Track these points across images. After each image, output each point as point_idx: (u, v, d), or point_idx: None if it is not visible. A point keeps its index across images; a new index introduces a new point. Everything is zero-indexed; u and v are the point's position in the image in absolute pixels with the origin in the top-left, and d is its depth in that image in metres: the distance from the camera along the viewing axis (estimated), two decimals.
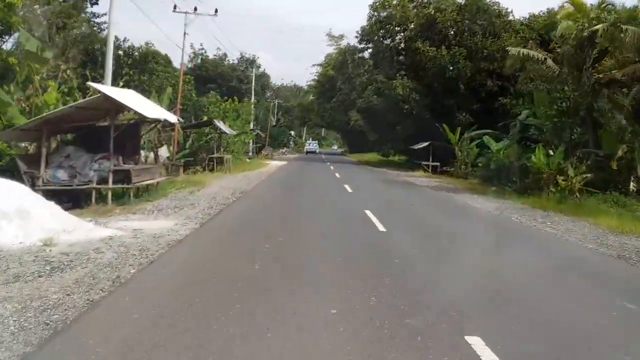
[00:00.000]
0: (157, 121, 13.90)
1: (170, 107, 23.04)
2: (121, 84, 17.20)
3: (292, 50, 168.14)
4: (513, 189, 19.08)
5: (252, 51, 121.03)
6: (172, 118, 13.68)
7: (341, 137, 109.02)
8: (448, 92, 33.92)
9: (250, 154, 50.80)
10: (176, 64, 61.93)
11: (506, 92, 32.49)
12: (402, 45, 40.24)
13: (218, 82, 65.17)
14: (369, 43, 43.01)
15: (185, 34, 21.98)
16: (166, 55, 52.11)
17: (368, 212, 10.88)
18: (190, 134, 26.41)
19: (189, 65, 70.34)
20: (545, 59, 18.74)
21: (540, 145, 16.68)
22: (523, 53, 18.84)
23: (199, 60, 71.00)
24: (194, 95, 27.00)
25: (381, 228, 9.05)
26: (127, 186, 12.18)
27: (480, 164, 22.09)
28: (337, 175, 25.49)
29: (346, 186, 17.95)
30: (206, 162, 24.04)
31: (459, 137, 30.58)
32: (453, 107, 33.81)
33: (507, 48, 32.31)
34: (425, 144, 32.92)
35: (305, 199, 14.51)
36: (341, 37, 62.24)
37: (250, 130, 37.19)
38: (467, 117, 33.38)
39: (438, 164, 32.87)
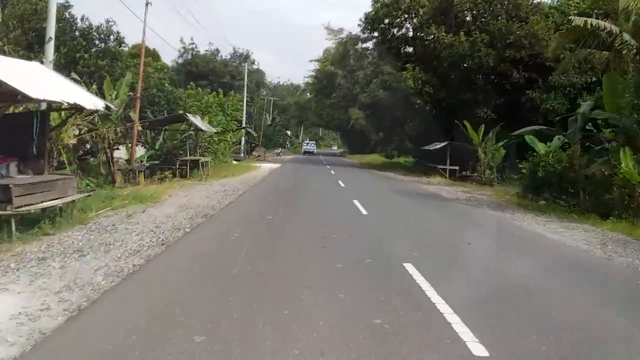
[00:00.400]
0: (72, 108, 9.13)
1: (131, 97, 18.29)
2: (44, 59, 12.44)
3: (291, 50, 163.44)
4: (571, 204, 14.50)
5: (251, 51, 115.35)
6: (94, 104, 8.89)
7: (340, 137, 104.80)
8: (466, 85, 29.26)
9: (242, 155, 46.12)
10: (164, 59, 57.51)
11: (534, 85, 27.99)
12: (411, 33, 35.64)
13: (209, 78, 60.98)
14: (374, 32, 38.30)
15: (147, 3, 17.24)
16: (154, 50, 47.73)
17: (410, 268, 6.11)
18: (161, 131, 21.63)
19: (179, 61, 66.15)
20: (621, 32, 14.09)
21: (626, 148, 12.00)
22: (591, 24, 14.14)
23: (189, 56, 66.82)
24: (167, 85, 22.22)
25: (466, 336, 3.95)
26: (5, 212, 7.42)
27: (524, 171, 17.38)
28: (340, 183, 20.61)
29: (356, 203, 13.10)
30: (177, 166, 19.27)
31: (482, 137, 25.86)
32: (472, 102, 29.14)
33: (535, 31, 28.16)
34: (442, 144, 28.22)
35: (297, 235, 8.97)
36: (341, 30, 57.72)
37: (238, 128, 32.38)
38: (489, 113, 28.77)
39: (457, 168, 28.18)
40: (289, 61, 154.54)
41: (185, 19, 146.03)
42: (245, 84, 51.79)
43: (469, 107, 29.07)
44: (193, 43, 67.30)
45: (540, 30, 27.60)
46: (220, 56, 69.24)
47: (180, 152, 24.07)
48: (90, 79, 18.89)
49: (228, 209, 11.43)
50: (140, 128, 16.88)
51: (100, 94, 17.76)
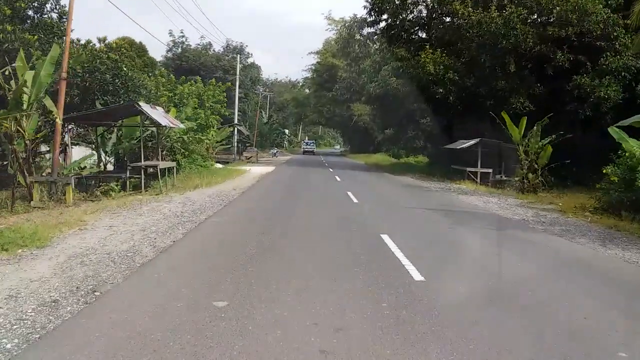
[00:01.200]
0: None
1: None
2: None
3: (291, 51, 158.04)
4: None
5: (246, 44, 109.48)
6: None
7: (341, 135, 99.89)
8: (498, 70, 24.16)
9: (233, 156, 41.07)
10: (152, 53, 52.37)
11: (581, 69, 22.86)
12: (425, 13, 30.54)
13: (201, 73, 55.89)
14: (382, 14, 33.07)
15: None
16: (140, 42, 42.65)
17: None
18: (114, 128, 16.46)
19: (169, 55, 61.20)
20: None
21: None
22: None
23: (179, 50, 61.94)
24: (124, 68, 17.07)
25: None
26: None
27: (613, 178, 12.19)
28: (351, 197, 14.78)
29: (392, 246, 7.35)
30: (127, 174, 14.06)
31: (523, 132, 20.71)
32: (506, 91, 24.04)
33: (584, 3, 23.07)
34: (471, 142, 23.06)
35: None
36: (343, 20, 52.72)
37: (222, 125, 27.14)
38: (526, 103, 23.65)
39: (490, 170, 23.05)
40: (286, 63, 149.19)
41: (178, 12, 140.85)
42: (238, 74, 46.50)
43: (501, 96, 24.02)
44: (183, 36, 62.61)
45: (589, 4, 22.50)
46: (213, 50, 64.50)
47: (151, 154, 19.03)
48: (12, 59, 13.72)
49: (156, 265, 6.17)
50: (59, 121, 11.69)
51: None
